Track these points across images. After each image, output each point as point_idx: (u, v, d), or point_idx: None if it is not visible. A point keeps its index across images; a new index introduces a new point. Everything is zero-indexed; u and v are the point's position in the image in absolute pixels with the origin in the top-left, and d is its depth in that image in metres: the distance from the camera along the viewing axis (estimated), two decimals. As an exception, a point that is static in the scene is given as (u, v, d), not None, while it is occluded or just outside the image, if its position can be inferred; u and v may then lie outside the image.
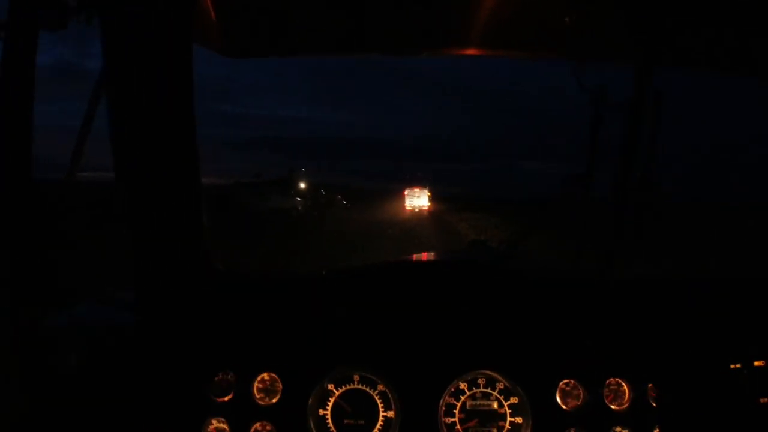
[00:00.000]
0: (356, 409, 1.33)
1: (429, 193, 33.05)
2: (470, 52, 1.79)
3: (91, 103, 1.44)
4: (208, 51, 1.62)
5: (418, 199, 32.28)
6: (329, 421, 1.32)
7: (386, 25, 1.60)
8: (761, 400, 1.34)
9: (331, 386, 1.34)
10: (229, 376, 1.33)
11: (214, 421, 1.31)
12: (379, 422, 1.32)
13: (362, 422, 1.32)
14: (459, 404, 1.33)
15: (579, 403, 1.32)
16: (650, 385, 1.33)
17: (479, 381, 1.34)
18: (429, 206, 32.29)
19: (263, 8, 1.44)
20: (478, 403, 1.34)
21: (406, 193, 32.98)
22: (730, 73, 1.88)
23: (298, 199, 28.79)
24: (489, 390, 1.34)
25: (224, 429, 1.31)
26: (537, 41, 1.75)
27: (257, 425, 1.31)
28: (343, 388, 1.34)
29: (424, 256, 1.98)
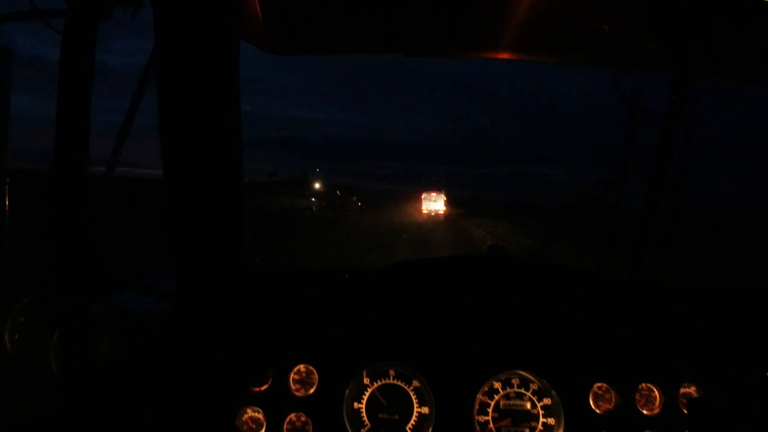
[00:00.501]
0: (391, 403, 1.34)
1: (445, 198, 33.20)
2: (504, 56, 1.80)
3: (134, 100, 1.48)
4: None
5: (434, 203, 32.49)
6: (364, 414, 1.34)
7: (426, 26, 1.61)
8: None
9: (366, 380, 1.35)
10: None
11: (249, 411, 1.34)
12: (414, 418, 1.33)
13: (396, 417, 1.34)
14: (493, 403, 1.34)
15: (611, 407, 1.32)
16: (682, 391, 1.33)
17: (513, 381, 1.35)
18: (445, 210, 32.42)
19: (309, 6, 1.47)
20: (511, 402, 1.34)
21: (422, 196, 33.17)
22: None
23: (313, 199, 28.99)
24: (523, 390, 1.35)
25: (259, 418, 1.33)
26: (573, 48, 1.75)
27: (292, 416, 1.33)
28: (379, 383, 1.36)
29: None
